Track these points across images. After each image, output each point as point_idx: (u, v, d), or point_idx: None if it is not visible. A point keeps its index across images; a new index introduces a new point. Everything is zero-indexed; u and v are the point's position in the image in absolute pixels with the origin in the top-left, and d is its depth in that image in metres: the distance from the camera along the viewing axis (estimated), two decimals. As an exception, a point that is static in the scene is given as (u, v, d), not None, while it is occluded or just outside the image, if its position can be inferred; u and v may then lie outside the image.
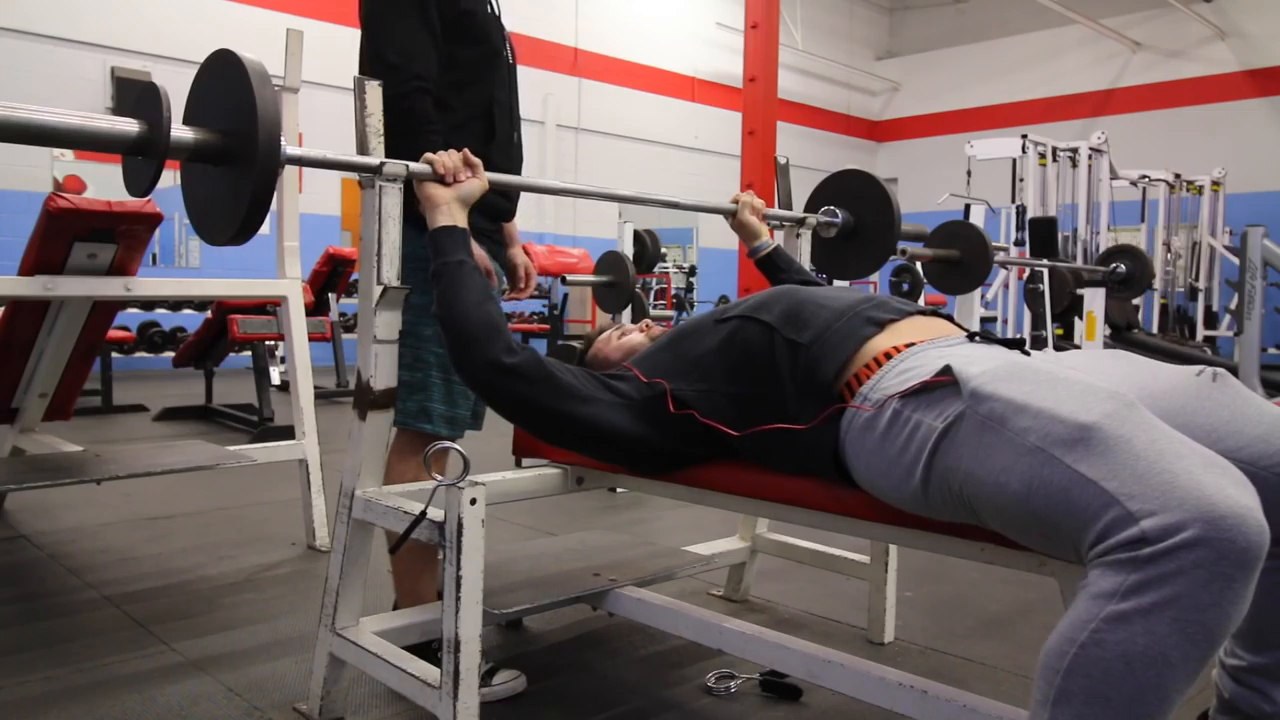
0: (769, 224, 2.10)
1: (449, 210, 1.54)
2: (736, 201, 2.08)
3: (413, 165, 1.53)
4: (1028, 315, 5.81)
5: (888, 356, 1.30)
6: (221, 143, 1.38)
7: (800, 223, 2.19)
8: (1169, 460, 0.94)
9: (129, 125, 1.33)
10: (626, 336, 1.84)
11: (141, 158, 1.36)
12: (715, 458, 1.52)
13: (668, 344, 1.60)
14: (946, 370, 1.16)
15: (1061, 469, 0.99)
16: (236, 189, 1.36)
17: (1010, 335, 2.93)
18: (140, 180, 1.38)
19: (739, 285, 8.64)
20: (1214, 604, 0.88)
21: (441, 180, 1.55)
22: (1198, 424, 1.20)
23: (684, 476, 1.56)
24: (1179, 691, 0.91)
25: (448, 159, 1.55)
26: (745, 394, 1.42)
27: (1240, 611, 0.90)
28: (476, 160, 1.58)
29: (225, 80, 1.38)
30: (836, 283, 2.38)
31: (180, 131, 1.36)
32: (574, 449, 1.61)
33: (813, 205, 2.28)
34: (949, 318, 1.46)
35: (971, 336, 1.36)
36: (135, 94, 1.37)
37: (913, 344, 1.31)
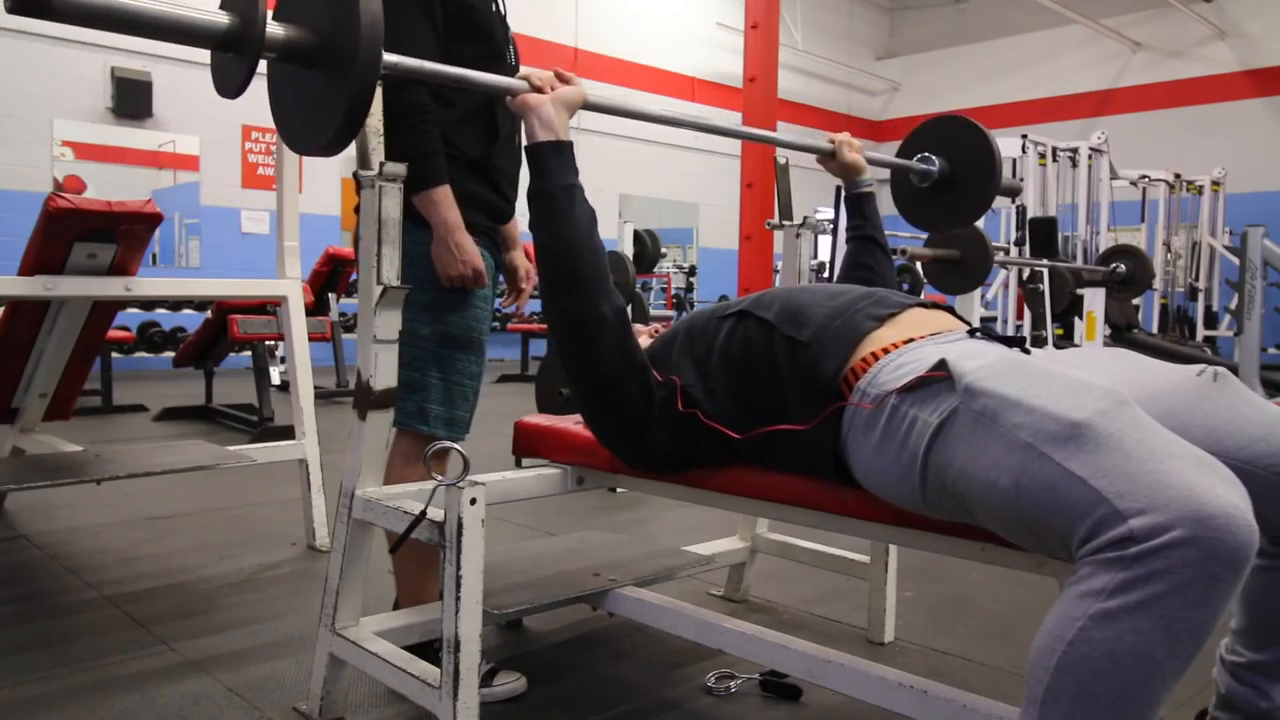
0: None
1: (551, 120, 1.46)
2: (834, 141, 2.01)
3: (508, 80, 1.47)
4: (1028, 316, 5.81)
5: (885, 352, 1.29)
6: (318, 43, 1.27)
7: (899, 171, 2.09)
8: (1159, 459, 0.94)
9: (219, 18, 1.21)
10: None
11: (232, 54, 1.24)
12: (718, 461, 1.51)
13: (676, 337, 1.59)
14: (942, 365, 1.15)
15: (1051, 466, 0.99)
16: (332, 95, 1.27)
17: (1009, 334, 2.92)
18: (230, 79, 1.27)
19: (739, 285, 8.65)
20: (1200, 603, 0.88)
21: (539, 91, 1.48)
22: (1198, 423, 1.20)
23: (684, 476, 1.56)
24: (1166, 689, 0.91)
25: (542, 71, 1.49)
26: (746, 394, 1.42)
27: (1225, 610, 0.90)
28: (570, 74, 1.53)
29: None
30: (878, 261, 2.27)
31: (275, 28, 1.25)
32: (589, 413, 1.60)
33: (908, 151, 2.16)
34: (950, 310, 1.46)
35: (972, 333, 1.35)
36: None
37: (912, 339, 1.31)
